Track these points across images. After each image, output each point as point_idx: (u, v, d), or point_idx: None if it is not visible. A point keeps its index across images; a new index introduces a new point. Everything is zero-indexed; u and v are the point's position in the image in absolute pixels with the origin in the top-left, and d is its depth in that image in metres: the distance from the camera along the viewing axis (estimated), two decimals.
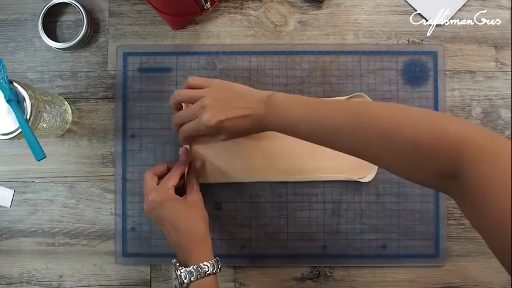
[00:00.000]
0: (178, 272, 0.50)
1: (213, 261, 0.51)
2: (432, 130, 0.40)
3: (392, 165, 0.44)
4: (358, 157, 0.46)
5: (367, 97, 0.61)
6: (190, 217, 0.54)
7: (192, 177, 0.57)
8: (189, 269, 0.50)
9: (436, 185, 0.42)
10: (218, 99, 0.51)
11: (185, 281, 0.50)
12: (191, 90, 0.54)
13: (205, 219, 0.55)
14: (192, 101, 0.53)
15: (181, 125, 0.54)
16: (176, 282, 0.51)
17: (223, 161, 0.61)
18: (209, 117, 0.50)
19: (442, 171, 0.39)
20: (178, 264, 0.51)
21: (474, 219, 0.37)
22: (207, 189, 0.60)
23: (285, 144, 0.61)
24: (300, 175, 0.62)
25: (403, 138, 0.41)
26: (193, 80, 0.54)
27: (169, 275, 0.63)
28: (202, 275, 0.50)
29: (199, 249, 0.52)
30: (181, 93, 0.54)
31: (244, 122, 0.51)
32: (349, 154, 0.47)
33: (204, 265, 0.50)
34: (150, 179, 0.56)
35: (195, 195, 0.55)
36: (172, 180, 0.55)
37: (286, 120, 0.49)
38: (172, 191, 0.54)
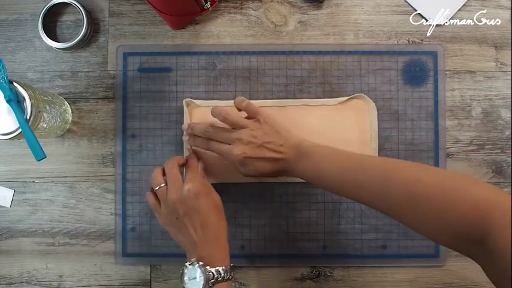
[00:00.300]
0: (206, 272, 0.48)
1: (230, 266, 0.51)
2: (459, 194, 0.40)
3: (417, 225, 0.44)
4: (381, 212, 0.46)
5: (368, 98, 0.61)
6: (219, 216, 0.53)
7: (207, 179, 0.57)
8: (217, 269, 0.49)
9: (460, 248, 0.42)
10: (256, 137, 0.52)
11: (212, 281, 0.48)
12: (237, 117, 0.54)
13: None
14: (233, 126, 0.54)
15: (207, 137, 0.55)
16: (195, 284, 0.49)
17: (223, 161, 0.61)
18: (239, 153, 0.51)
19: (467, 235, 0.39)
20: (202, 263, 0.49)
21: (502, 283, 0.37)
22: None
23: None
24: None
25: (431, 201, 0.41)
26: (247, 104, 0.54)
27: (169, 275, 0.63)
28: (226, 278, 0.49)
29: (225, 251, 0.52)
30: (228, 115, 0.54)
31: (270, 164, 0.52)
32: (372, 207, 0.47)
33: (229, 269, 0.50)
34: (175, 169, 0.54)
35: (218, 196, 0.55)
36: (202, 175, 0.55)
37: (315, 169, 0.50)
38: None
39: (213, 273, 0.49)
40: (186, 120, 0.62)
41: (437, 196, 0.41)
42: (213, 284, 0.49)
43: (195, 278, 0.49)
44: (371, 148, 0.62)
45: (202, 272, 0.48)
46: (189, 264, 0.50)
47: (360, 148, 0.61)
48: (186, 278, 0.50)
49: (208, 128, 0.55)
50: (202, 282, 0.48)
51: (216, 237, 0.52)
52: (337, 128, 0.62)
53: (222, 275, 0.49)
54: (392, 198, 0.44)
